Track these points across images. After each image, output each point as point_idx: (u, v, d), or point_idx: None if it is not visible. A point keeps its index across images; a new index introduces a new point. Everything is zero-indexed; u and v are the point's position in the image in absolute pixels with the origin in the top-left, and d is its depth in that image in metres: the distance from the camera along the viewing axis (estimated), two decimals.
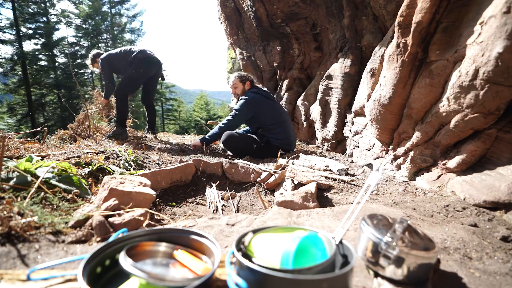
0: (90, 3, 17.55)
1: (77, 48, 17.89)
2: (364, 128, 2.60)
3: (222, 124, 2.95)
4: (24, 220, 0.97)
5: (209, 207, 1.64)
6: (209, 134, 3.01)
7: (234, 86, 3.11)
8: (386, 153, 2.19)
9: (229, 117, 2.96)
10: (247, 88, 3.08)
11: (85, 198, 1.43)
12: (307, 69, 4.23)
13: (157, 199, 1.65)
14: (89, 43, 18.19)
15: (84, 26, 17.87)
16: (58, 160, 1.90)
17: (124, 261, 0.64)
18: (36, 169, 1.44)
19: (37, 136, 3.31)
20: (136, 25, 20.16)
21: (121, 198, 1.26)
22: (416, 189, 1.68)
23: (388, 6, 2.49)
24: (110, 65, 3.71)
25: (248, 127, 3.21)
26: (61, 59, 16.80)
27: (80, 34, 17.93)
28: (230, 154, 2.91)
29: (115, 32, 19.20)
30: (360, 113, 2.66)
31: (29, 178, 1.32)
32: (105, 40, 19.02)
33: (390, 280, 0.76)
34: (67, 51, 16.76)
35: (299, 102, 4.01)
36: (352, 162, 2.62)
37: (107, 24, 18.69)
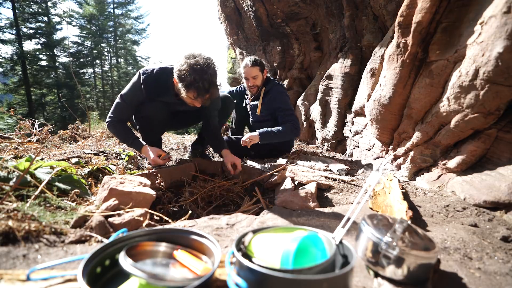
0: (94, 4, 17.56)
1: (80, 48, 17.90)
2: (364, 128, 2.60)
3: (291, 124, 2.43)
4: (24, 220, 0.97)
5: None
6: (267, 131, 2.36)
7: (254, 77, 2.59)
8: (386, 153, 2.19)
9: (289, 116, 2.46)
10: (265, 77, 2.68)
11: (85, 198, 1.43)
12: (307, 69, 4.22)
13: (157, 199, 1.64)
14: (92, 43, 18.21)
15: (88, 26, 17.87)
16: (58, 160, 1.90)
17: (124, 261, 0.64)
18: (35, 169, 1.44)
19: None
20: (141, 26, 20.11)
21: (121, 198, 1.26)
22: (416, 189, 1.68)
23: (388, 6, 2.49)
24: None
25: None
26: (62, 59, 16.81)
27: (83, 34, 17.93)
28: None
29: (119, 33, 19.22)
30: (360, 113, 2.66)
31: (29, 178, 1.32)
32: (108, 40, 19.04)
33: (390, 280, 0.76)
34: (68, 51, 16.76)
35: (299, 102, 4.01)
36: (352, 162, 2.62)
37: (111, 24, 18.69)
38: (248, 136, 2.30)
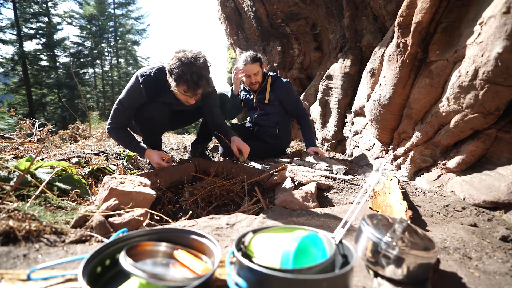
0: (95, 4, 17.54)
1: (80, 48, 17.89)
2: (364, 128, 2.60)
3: (307, 116, 2.73)
4: (25, 220, 0.97)
5: None
6: (310, 133, 2.65)
7: (256, 74, 2.51)
8: (386, 153, 2.19)
9: (302, 108, 2.72)
10: (263, 70, 2.62)
11: (85, 198, 1.44)
12: (307, 69, 4.23)
13: (157, 199, 1.65)
14: (93, 43, 18.20)
15: (88, 26, 17.85)
16: (59, 160, 1.91)
17: (124, 261, 0.65)
18: (36, 169, 1.44)
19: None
20: (141, 27, 20.05)
21: (121, 198, 1.27)
22: (416, 189, 1.68)
23: (388, 6, 2.49)
24: None
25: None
26: (62, 59, 16.81)
27: (84, 34, 17.92)
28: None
29: (119, 33, 19.20)
30: (360, 113, 2.66)
31: (29, 178, 1.32)
32: (108, 40, 19.03)
33: (390, 280, 0.76)
34: (69, 51, 16.74)
35: None
36: (352, 162, 2.62)
37: (111, 25, 18.67)
38: (318, 150, 2.52)
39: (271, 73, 2.67)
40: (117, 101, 1.88)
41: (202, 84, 1.63)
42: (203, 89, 1.67)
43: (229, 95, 2.65)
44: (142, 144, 1.93)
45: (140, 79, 1.79)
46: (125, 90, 1.87)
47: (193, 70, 1.57)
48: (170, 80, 1.66)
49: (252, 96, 2.71)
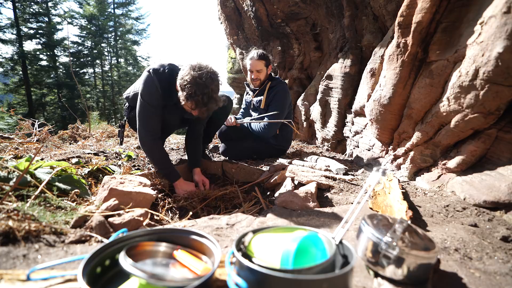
0: (95, 4, 17.53)
1: (80, 48, 17.87)
2: (364, 128, 2.60)
3: (266, 127, 2.56)
4: (24, 220, 0.97)
5: None
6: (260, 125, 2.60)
7: (259, 71, 2.60)
8: (386, 153, 2.18)
9: (271, 118, 2.56)
10: (269, 72, 2.68)
11: (85, 198, 1.43)
12: (307, 69, 4.22)
13: (157, 199, 1.64)
14: (92, 43, 18.19)
15: (88, 26, 17.84)
16: (58, 160, 1.90)
17: (124, 261, 0.65)
18: (35, 169, 1.44)
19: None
20: (141, 27, 20.00)
21: (121, 198, 1.26)
22: (416, 189, 1.68)
23: (388, 6, 2.49)
24: None
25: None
26: (62, 59, 16.78)
27: (84, 34, 17.91)
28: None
29: (119, 33, 19.18)
30: (360, 113, 2.66)
31: (29, 178, 1.32)
32: (108, 40, 19.01)
33: (390, 280, 0.76)
34: (68, 51, 16.71)
35: (299, 102, 4.01)
36: (352, 162, 2.62)
37: (111, 25, 18.65)
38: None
39: (275, 77, 2.71)
40: (138, 100, 1.78)
41: (210, 106, 1.63)
42: (209, 110, 1.66)
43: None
44: (177, 172, 1.85)
45: (152, 75, 1.75)
46: (142, 88, 1.78)
47: (205, 92, 1.57)
48: (180, 93, 1.64)
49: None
